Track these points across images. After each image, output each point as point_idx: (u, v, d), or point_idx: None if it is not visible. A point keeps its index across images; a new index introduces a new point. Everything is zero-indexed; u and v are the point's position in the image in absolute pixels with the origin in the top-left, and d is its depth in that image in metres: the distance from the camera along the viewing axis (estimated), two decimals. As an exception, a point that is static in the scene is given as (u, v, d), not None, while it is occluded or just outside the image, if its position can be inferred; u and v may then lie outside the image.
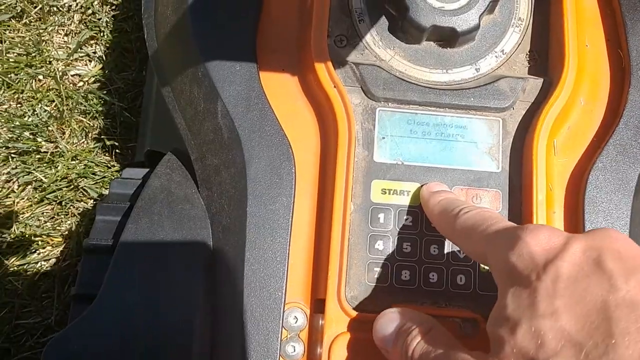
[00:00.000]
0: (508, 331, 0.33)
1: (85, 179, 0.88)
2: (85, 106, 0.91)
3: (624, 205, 0.48)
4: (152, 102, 0.73)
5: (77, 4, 0.97)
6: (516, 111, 0.50)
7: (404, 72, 0.51)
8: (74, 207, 0.87)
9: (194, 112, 0.52)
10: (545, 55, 0.53)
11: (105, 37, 0.96)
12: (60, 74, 0.93)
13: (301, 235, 0.48)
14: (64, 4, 0.97)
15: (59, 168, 0.88)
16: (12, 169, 0.87)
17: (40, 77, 0.93)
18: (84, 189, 0.87)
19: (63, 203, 0.87)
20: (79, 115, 0.91)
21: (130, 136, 0.90)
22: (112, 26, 0.97)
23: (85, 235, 0.84)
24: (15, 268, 0.83)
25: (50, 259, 0.85)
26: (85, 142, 0.91)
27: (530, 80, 0.51)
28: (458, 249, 0.47)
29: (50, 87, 0.92)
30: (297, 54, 0.53)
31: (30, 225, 0.85)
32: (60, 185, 0.87)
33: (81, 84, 0.94)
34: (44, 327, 0.81)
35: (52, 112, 0.91)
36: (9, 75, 0.91)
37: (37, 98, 0.91)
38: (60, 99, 0.91)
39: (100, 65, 0.95)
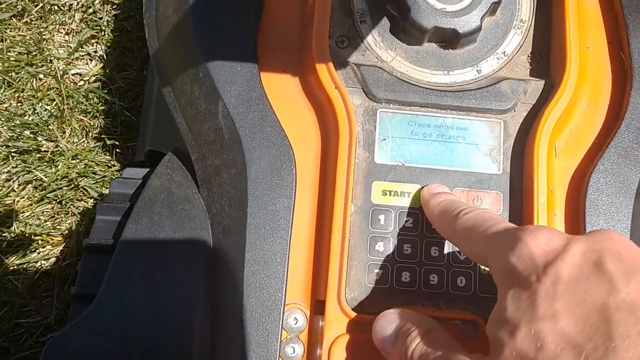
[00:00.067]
0: (508, 333, 0.33)
1: (85, 179, 0.88)
2: (85, 105, 0.91)
3: (625, 208, 0.48)
4: (153, 101, 0.73)
5: (78, 3, 0.97)
6: (517, 113, 0.50)
7: (405, 74, 0.51)
8: (74, 206, 0.87)
9: (195, 112, 0.52)
10: (547, 57, 0.53)
11: (106, 36, 0.96)
12: (61, 72, 0.93)
13: (301, 236, 0.48)
14: (65, 2, 0.97)
15: (59, 167, 0.88)
16: (13, 167, 0.87)
17: (41, 76, 0.93)
18: (84, 189, 0.87)
19: (63, 202, 0.87)
20: (80, 115, 0.91)
21: (131, 136, 0.90)
22: (113, 25, 0.97)
23: (86, 234, 0.84)
24: (15, 267, 0.83)
25: (50, 258, 0.85)
26: (86, 141, 0.91)
27: (531, 82, 0.51)
28: (458, 250, 0.47)
29: (51, 86, 0.92)
30: (298, 55, 0.52)
31: (30, 224, 0.85)
32: (60, 184, 0.87)
33: (82, 83, 0.94)
34: (43, 327, 0.81)
35: (52, 111, 0.91)
36: (10, 74, 0.91)
37: (37, 97, 0.91)
38: (60, 98, 0.91)
39: (101, 65, 0.95)
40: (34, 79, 0.93)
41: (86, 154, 0.89)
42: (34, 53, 0.93)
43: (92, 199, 0.88)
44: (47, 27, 0.95)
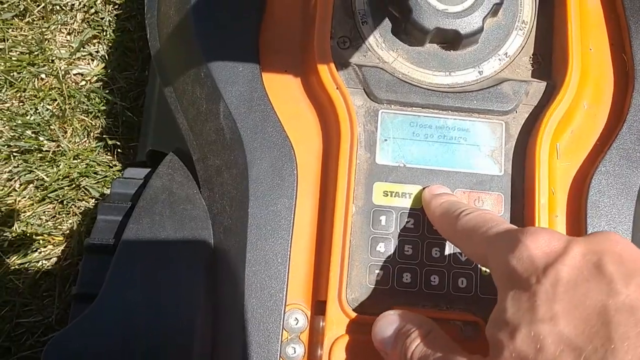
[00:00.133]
0: (507, 335, 0.33)
1: (86, 178, 0.88)
2: (87, 105, 0.91)
3: (626, 210, 0.48)
4: (155, 101, 0.73)
5: (80, 3, 0.97)
6: (519, 114, 0.50)
7: (407, 75, 0.51)
8: (75, 206, 0.87)
9: (196, 112, 0.52)
10: (548, 58, 0.53)
11: (108, 36, 0.96)
12: (63, 72, 0.93)
13: (302, 236, 0.48)
14: (67, 2, 0.97)
15: (60, 167, 0.88)
16: (14, 167, 0.88)
17: (43, 75, 0.93)
18: (86, 188, 0.87)
19: (64, 202, 0.87)
20: (81, 115, 0.91)
21: (132, 136, 0.90)
22: (114, 25, 0.97)
23: (87, 234, 0.84)
24: (17, 267, 0.83)
25: (51, 258, 0.85)
26: (87, 141, 0.91)
27: (533, 83, 0.51)
28: (460, 251, 0.47)
29: (53, 86, 0.92)
30: (300, 55, 0.52)
31: (31, 224, 0.85)
32: (61, 184, 0.87)
33: (83, 83, 0.94)
34: (44, 326, 0.81)
35: (54, 111, 0.91)
36: (12, 74, 0.91)
37: (39, 97, 0.91)
38: (62, 97, 0.91)
39: (103, 65, 0.95)
40: (36, 79, 0.93)
41: (88, 154, 0.89)
42: (36, 53, 0.94)
43: (94, 199, 0.88)
44: (49, 27, 0.95)
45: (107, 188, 0.87)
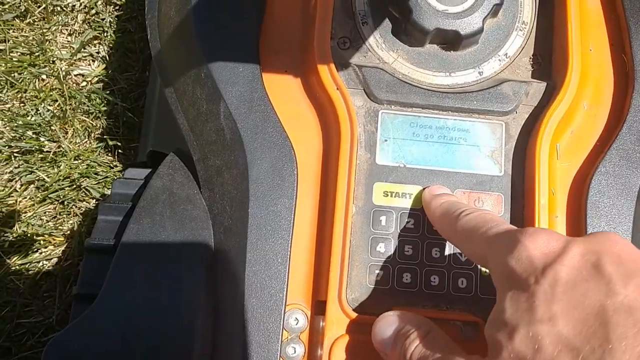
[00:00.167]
0: (506, 336, 0.33)
1: (87, 179, 0.88)
2: (88, 106, 0.91)
3: (626, 210, 0.48)
4: (155, 102, 0.73)
5: (80, 4, 0.97)
6: (519, 115, 0.50)
7: (407, 75, 0.51)
8: (76, 206, 0.87)
9: (197, 113, 0.52)
10: (548, 59, 0.53)
11: (109, 37, 0.96)
12: (64, 73, 0.93)
13: (302, 236, 0.48)
14: (68, 3, 0.97)
15: (61, 167, 0.88)
16: (15, 168, 0.88)
17: (44, 76, 0.93)
18: (86, 189, 0.88)
19: (65, 203, 0.87)
20: (82, 115, 0.91)
21: (133, 136, 0.90)
22: (115, 26, 0.97)
23: (87, 235, 0.84)
24: (17, 267, 0.83)
25: (52, 259, 0.85)
26: (88, 142, 0.91)
27: (533, 84, 0.51)
28: (460, 252, 0.47)
29: (54, 87, 0.92)
30: (300, 56, 0.53)
31: (32, 225, 0.86)
32: (62, 184, 0.87)
33: (84, 83, 0.94)
34: (45, 327, 0.81)
35: (55, 111, 0.91)
36: (13, 75, 0.92)
37: (40, 97, 0.91)
38: (63, 98, 0.91)
39: (104, 66, 0.95)
40: (37, 80, 0.93)
41: (88, 154, 0.89)
42: (37, 54, 0.94)
43: (94, 200, 0.88)
44: (50, 28, 0.95)
45: (108, 188, 0.87)
